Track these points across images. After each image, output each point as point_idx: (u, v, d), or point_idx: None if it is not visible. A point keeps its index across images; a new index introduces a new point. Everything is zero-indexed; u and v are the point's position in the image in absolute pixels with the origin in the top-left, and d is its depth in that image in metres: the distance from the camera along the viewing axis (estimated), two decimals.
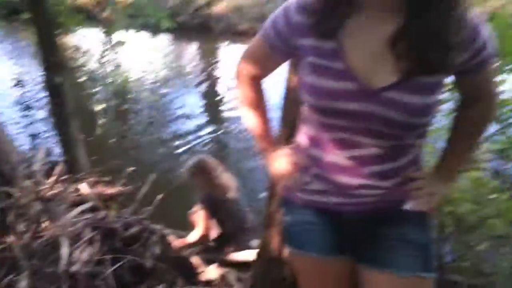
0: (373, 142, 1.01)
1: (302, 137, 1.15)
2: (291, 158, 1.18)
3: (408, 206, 1.10)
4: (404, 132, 1.00)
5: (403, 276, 1.09)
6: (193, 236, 2.88)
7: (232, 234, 2.85)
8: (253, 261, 1.72)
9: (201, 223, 2.85)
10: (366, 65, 0.97)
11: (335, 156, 1.06)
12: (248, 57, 1.20)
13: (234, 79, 1.24)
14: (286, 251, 1.28)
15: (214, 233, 3.00)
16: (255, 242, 2.95)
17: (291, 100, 1.43)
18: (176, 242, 2.90)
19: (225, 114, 6.35)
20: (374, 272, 1.13)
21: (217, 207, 2.83)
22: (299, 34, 1.03)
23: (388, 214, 1.12)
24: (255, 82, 1.23)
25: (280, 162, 1.21)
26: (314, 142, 1.10)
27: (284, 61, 1.19)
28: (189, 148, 5.24)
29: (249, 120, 1.24)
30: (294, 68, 1.39)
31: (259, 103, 1.25)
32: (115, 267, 2.56)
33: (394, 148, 1.03)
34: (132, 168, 4.17)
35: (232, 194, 2.79)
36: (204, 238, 2.95)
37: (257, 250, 2.54)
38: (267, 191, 1.56)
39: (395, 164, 1.06)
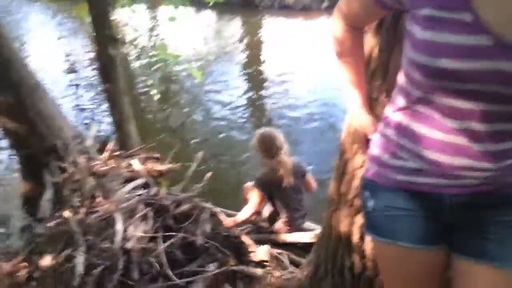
0: (498, 112, 0.85)
1: (394, 109, 1.02)
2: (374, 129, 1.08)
3: None
4: None
5: (508, 268, 0.95)
6: (244, 213, 2.79)
7: (287, 218, 2.77)
8: (316, 244, 1.63)
9: (253, 200, 2.75)
10: (501, 15, 0.81)
11: (439, 131, 0.91)
12: (346, 7, 1.09)
13: (329, 28, 1.15)
14: (368, 239, 1.18)
15: (267, 212, 2.94)
16: (308, 224, 2.89)
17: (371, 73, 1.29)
18: (227, 220, 2.85)
19: (270, 91, 6.22)
20: (476, 263, 0.99)
21: (273, 189, 2.74)
22: None
23: (494, 199, 0.97)
24: (354, 32, 1.13)
25: (364, 122, 1.11)
26: (413, 115, 0.96)
27: (387, 13, 1.07)
28: (234, 126, 5.19)
29: (345, 74, 1.17)
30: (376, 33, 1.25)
31: (356, 53, 1.17)
32: (167, 243, 2.57)
33: None
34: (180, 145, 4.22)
35: (289, 178, 2.63)
36: (255, 215, 2.90)
37: (318, 233, 2.48)
38: (335, 170, 1.44)
39: None
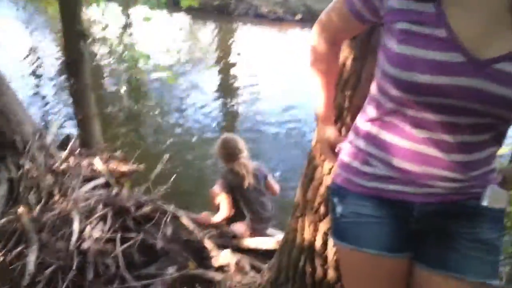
0: (467, 124, 0.87)
1: (365, 119, 1.03)
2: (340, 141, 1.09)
3: (486, 201, 0.95)
4: (510, 113, 0.85)
5: (470, 282, 0.96)
6: (219, 216, 2.82)
7: (250, 221, 2.76)
8: (278, 250, 1.61)
9: (224, 203, 2.78)
10: (474, 32, 0.82)
11: (409, 141, 0.92)
12: (326, 20, 1.09)
13: (309, 39, 1.15)
14: (331, 246, 1.17)
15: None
16: (271, 231, 2.88)
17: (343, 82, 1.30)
18: (202, 215, 2.86)
19: (241, 97, 6.22)
20: (436, 273, 1.00)
21: (235, 190, 2.75)
22: None
23: (461, 209, 0.98)
24: (332, 46, 1.13)
25: (331, 138, 1.12)
26: (383, 125, 0.97)
27: (365, 27, 1.08)
28: (202, 130, 5.15)
29: (315, 83, 1.17)
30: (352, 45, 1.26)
31: (330, 63, 1.17)
32: (125, 245, 2.49)
33: (488, 133, 0.89)
34: (144, 147, 4.13)
35: (250, 179, 2.68)
36: (226, 220, 2.88)
37: (279, 239, 2.47)
38: (303, 177, 1.44)
39: (481, 154, 0.92)
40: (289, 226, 1.49)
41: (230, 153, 2.70)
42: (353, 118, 1.12)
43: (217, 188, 2.85)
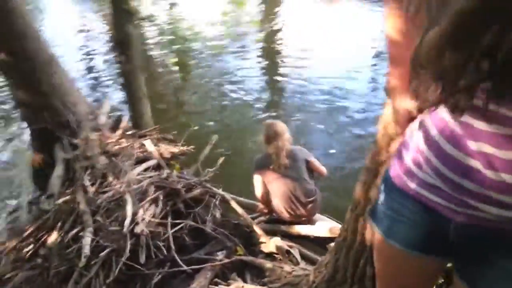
0: None
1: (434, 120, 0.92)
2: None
3: None
4: None
5: None
6: (257, 193, 2.82)
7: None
8: (334, 246, 1.54)
9: (257, 185, 2.78)
10: None
11: (477, 154, 0.80)
12: None
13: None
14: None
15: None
16: (320, 217, 2.81)
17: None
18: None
19: (285, 75, 6.08)
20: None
21: (268, 172, 2.72)
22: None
23: (506, 239, 0.86)
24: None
25: (411, 108, 1.02)
26: (447, 131, 0.87)
27: None
28: (251, 110, 5.08)
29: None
30: None
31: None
32: (176, 228, 2.51)
33: None
34: (195, 128, 4.13)
35: (284, 161, 2.66)
36: (266, 205, 2.84)
37: (335, 231, 2.40)
38: (364, 172, 1.34)
39: None
40: (347, 223, 1.41)
41: (269, 136, 2.72)
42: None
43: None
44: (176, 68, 6.28)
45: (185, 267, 2.30)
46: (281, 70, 6.15)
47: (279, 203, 2.69)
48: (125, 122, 3.68)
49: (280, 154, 2.67)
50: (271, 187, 2.71)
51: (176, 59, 6.46)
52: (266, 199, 2.80)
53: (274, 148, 2.68)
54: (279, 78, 5.92)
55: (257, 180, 2.77)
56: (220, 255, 2.46)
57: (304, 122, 4.63)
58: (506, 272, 0.87)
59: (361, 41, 6.60)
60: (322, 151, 4.02)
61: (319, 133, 4.43)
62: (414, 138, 0.95)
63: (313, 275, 1.68)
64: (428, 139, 0.90)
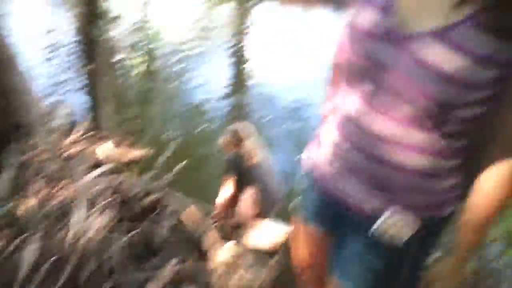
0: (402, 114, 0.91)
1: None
2: None
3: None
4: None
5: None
6: (221, 197, 2.85)
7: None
8: (281, 252, 1.54)
9: (228, 186, 2.79)
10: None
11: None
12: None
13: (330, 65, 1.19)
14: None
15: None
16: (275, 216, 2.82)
17: None
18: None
19: (251, 81, 6.07)
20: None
21: (242, 173, 2.74)
22: None
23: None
24: None
25: None
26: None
27: None
28: (216, 116, 5.03)
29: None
30: None
31: None
32: (129, 235, 2.45)
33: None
34: (157, 132, 4.07)
35: (255, 157, 2.65)
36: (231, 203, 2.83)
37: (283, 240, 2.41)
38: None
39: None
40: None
41: (235, 138, 2.75)
42: None
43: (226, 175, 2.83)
44: (141, 70, 6.18)
45: (135, 275, 2.24)
46: (248, 75, 6.14)
47: (245, 206, 2.70)
48: (85, 124, 3.60)
49: (251, 152, 2.71)
50: (241, 190, 2.72)
51: (141, 61, 6.36)
52: (230, 203, 2.80)
53: (244, 148, 2.71)
54: (246, 83, 5.91)
55: (228, 182, 2.78)
56: (173, 262, 2.41)
57: (270, 127, 4.64)
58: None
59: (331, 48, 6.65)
60: (288, 156, 4.03)
61: (285, 138, 4.45)
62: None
63: (264, 275, 1.67)
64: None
